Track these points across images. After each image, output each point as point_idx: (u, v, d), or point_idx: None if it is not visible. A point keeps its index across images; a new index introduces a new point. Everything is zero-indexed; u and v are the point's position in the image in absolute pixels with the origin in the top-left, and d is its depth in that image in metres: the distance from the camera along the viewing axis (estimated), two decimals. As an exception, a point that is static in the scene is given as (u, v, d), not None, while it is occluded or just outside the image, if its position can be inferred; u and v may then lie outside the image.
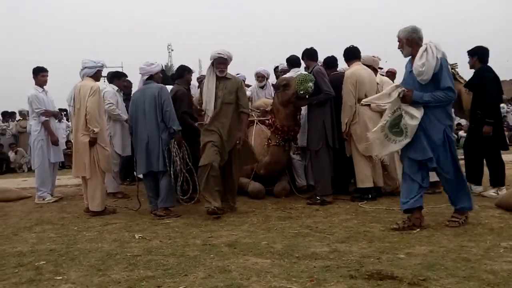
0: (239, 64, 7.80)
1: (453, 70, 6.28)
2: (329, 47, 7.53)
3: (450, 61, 6.52)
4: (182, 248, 3.95)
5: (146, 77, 5.61)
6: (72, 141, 6.36)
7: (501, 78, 6.17)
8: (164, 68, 7.38)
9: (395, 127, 4.23)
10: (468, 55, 5.95)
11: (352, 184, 6.21)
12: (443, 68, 4.06)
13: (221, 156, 5.30)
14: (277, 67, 7.67)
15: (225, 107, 5.33)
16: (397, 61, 4.64)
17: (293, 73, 6.26)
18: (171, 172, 5.36)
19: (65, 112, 11.38)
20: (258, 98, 7.46)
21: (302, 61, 6.22)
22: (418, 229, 4.18)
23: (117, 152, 6.84)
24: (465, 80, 6.33)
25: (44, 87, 6.98)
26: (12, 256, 3.95)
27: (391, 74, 7.62)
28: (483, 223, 4.37)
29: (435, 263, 3.24)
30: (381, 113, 5.14)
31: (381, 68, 6.85)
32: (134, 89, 7.37)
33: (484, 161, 5.92)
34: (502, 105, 9.56)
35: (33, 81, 6.93)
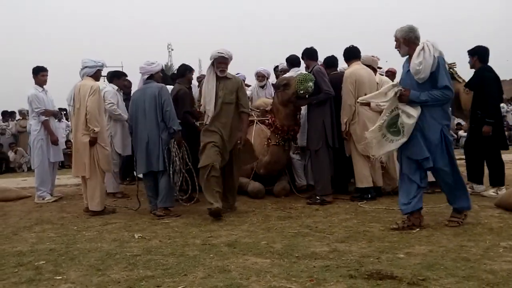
0: (239, 64, 7.81)
1: (451, 70, 6.28)
2: (329, 47, 7.54)
3: (449, 60, 6.54)
4: (181, 247, 3.95)
5: (147, 76, 5.60)
6: (72, 140, 6.35)
7: (501, 78, 6.16)
8: (164, 67, 7.37)
9: (392, 126, 4.23)
10: (468, 55, 5.95)
11: (352, 184, 6.21)
12: (440, 66, 4.06)
13: (222, 157, 5.27)
14: (277, 66, 7.68)
15: (225, 107, 5.30)
16: (397, 61, 4.65)
17: (293, 72, 6.26)
18: (170, 172, 5.36)
19: (64, 112, 11.39)
20: (259, 97, 7.46)
21: (302, 61, 6.22)
22: (417, 229, 4.19)
23: (117, 152, 6.84)
24: (463, 80, 6.33)
25: (44, 86, 6.97)
26: (11, 256, 3.95)
27: (391, 74, 7.62)
28: (482, 222, 4.37)
29: (434, 263, 3.24)
30: (380, 113, 5.14)
31: (380, 68, 6.86)
32: (134, 88, 7.37)
33: (484, 161, 5.92)
34: (502, 104, 9.57)
35: (33, 81, 6.92)
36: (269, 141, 6.09)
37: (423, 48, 4.04)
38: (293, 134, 6.05)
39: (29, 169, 11.24)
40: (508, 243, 3.66)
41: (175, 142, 5.40)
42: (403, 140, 4.17)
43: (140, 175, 5.75)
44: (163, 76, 6.20)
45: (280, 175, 6.42)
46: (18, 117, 13.83)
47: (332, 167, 5.89)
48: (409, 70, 4.18)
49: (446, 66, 4.27)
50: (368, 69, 5.99)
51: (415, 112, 4.09)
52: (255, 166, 6.23)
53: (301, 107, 6.07)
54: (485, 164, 5.94)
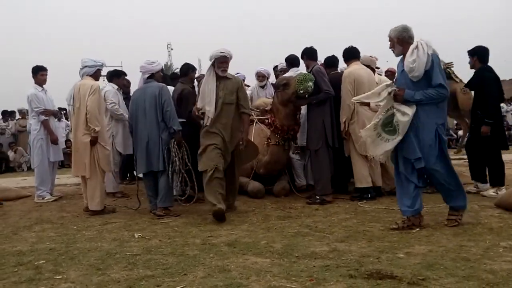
0: (239, 64, 7.80)
1: (448, 69, 6.29)
2: (329, 47, 7.53)
3: (447, 60, 6.54)
4: (181, 247, 3.95)
5: (147, 75, 5.59)
6: (72, 140, 6.35)
7: (501, 78, 6.16)
8: (163, 67, 7.37)
9: (387, 125, 4.22)
10: (468, 55, 5.95)
11: (351, 184, 6.21)
12: (434, 64, 4.03)
13: (224, 159, 5.20)
14: (276, 66, 7.68)
15: (226, 108, 5.22)
16: (398, 61, 4.65)
17: (292, 72, 6.26)
18: (169, 172, 5.35)
19: (64, 111, 11.39)
20: (259, 98, 7.45)
21: (301, 61, 6.21)
22: (417, 229, 4.19)
23: (118, 152, 6.84)
24: (460, 80, 6.34)
25: (44, 86, 6.96)
26: (11, 255, 3.94)
27: (391, 74, 7.63)
28: (482, 222, 4.37)
29: (434, 263, 3.24)
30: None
31: (378, 68, 6.87)
32: (133, 88, 7.36)
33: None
34: (501, 104, 9.57)
35: (33, 81, 6.92)
36: (269, 140, 6.09)
37: (416, 47, 4.03)
38: (293, 134, 6.05)
39: (29, 168, 11.25)
40: (508, 243, 3.66)
41: (175, 142, 5.39)
42: (398, 138, 4.15)
43: (140, 175, 5.75)
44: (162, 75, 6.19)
45: (280, 174, 6.42)
46: (18, 116, 13.82)
47: (332, 167, 5.89)
48: (403, 70, 4.17)
49: (441, 64, 4.26)
50: (368, 69, 6.00)
51: (409, 110, 4.07)
52: (255, 166, 6.23)
53: (301, 107, 6.07)
54: (486, 163, 5.95)
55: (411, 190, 4.25)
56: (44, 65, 7.00)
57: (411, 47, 4.07)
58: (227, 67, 5.26)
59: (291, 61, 6.50)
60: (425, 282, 2.88)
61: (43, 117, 6.75)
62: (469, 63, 5.97)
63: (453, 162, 9.41)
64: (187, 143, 5.50)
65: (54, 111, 7.15)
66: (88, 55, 5.97)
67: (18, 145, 13.00)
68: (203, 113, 5.23)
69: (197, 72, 7.33)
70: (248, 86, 7.82)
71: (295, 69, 6.39)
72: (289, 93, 5.79)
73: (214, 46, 5.21)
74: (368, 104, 5.40)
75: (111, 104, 6.61)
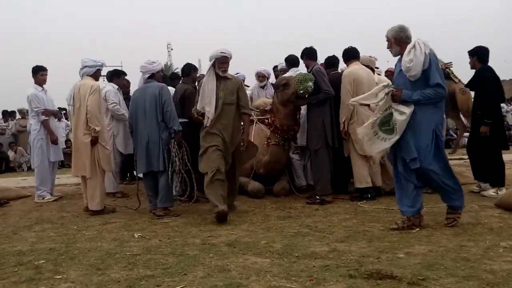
0: (239, 64, 7.79)
1: (447, 70, 6.29)
2: (329, 47, 7.54)
3: (447, 60, 6.55)
4: (181, 247, 3.95)
5: (148, 75, 5.58)
6: (72, 140, 6.35)
7: (500, 78, 6.15)
8: (163, 67, 7.37)
9: (385, 124, 4.21)
10: (469, 55, 5.95)
11: (351, 184, 6.21)
12: (432, 64, 4.02)
13: (225, 160, 5.17)
14: (276, 66, 7.68)
15: (226, 108, 5.18)
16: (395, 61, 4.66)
17: (292, 72, 6.26)
18: (169, 172, 5.35)
19: (64, 111, 11.38)
20: (259, 98, 7.46)
21: (301, 61, 6.21)
22: (417, 229, 4.18)
23: (119, 152, 6.83)
24: (459, 80, 6.34)
25: (44, 86, 6.96)
26: (11, 255, 3.95)
27: (391, 74, 7.60)
28: (482, 222, 4.37)
29: (434, 263, 3.24)
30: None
31: (377, 68, 6.87)
32: (132, 88, 7.36)
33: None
34: (502, 104, 9.56)
35: (33, 80, 6.92)
36: (269, 140, 6.09)
37: (414, 46, 4.02)
38: (293, 134, 6.05)
39: (29, 168, 11.24)
40: (508, 243, 3.66)
41: (175, 142, 5.38)
42: (396, 138, 4.15)
43: (140, 175, 5.75)
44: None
45: (279, 174, 6.42)
46: (18, 116, 13.82)
47: (331, 167, 5.89)
48: (401, 70, 4.17)
49: (440, 64, 4.25)
50: (367, 69, 6.01)
51: (407, 109, 4.06)
52: (255, 166, 6.23)
53: (301, 107, 6.07)
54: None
55: (410, 190, 4.25)
56: (44, 65, 7.00)
57: (409, 46, 4.07)
58: (228, 68, 5.23)
59: (291, 61, 6.50)
60: (425, 282, 2.88)
61: (43, 117, 6.75)
62: (469, 63, 5.97)
63: (453, 162, 9.45)
64: (189, 143, 5.48)
65: (55, 111, 7.16)
66: (88, 55, 5.97)
67: (18, 145, 13.00)
68: (203, 114, 5.19)
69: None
70: (248, 86, 7.82)
71: (294, 69, 6.39)
72: (289, 93, 5.79)
73: (214, 46, 5.20)
74: (368, 104, 5.40)
75: (112, 104, 6.61)
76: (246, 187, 6.21)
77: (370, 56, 6.43)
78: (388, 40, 4.31)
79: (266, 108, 6.35)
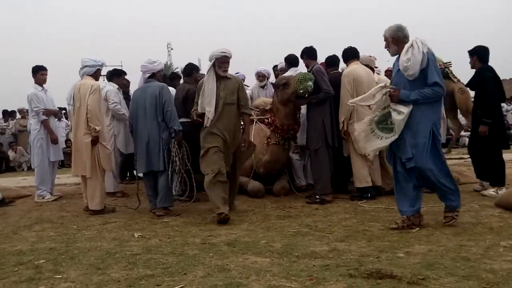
0: (239, 64, 7.78)
1: (446, 69, 6.29)
2: (329, 47, 7.52)
3: (446, 60, 6.54)
4: (181, 247, 3.95)
5: (148, 75, 5.57)
6: (72, 140, 6.35)
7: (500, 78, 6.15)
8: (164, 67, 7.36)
9: (382, 123, 4.21)
10: (469, 55, 5.96)
11: (351, 183, 6.21)
12: (430, 63, 4.01)
13: (226, 160, 5.15)
14: (276, 65, 7.68)
15: (227, 108, 5.13)
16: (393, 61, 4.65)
17: (292, 72, 6.26)
18: (169, 172, 5.34)
19: (64, 111, 11.39)
20: (259, 97, 7.45)
21: (300, 60, 6.21)
22: (417, 228, 4.18)
23: (120, 151, 6.83)
24: (458, 80, 6.33)
25: (44, 85, 6.96)
26: (11, 255, 3.95)
27: (390, 73, 7.60)
28: (482, 222, 4.37)
29: (434, 262, 3.24)
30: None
31: (376, 67, 6.87)
32: (132, 88, 7.36)
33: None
34: (502, 104, 9.55)
35: (33, 80, 6.92)
36: (269, 140, 6.09)
37: (412, 45, 4.00)
38: (293, 133, 6.05)
39: (29, 168, 11.24)
40: (508, 242, 3.66)
41: (175, 142, 5.38)
42: (394, 137, 4.14)
43: (140, 174, 5.75)
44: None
45: (279, 174, 6.42)
46: (18, 116, 13.83)
47: (331, 166, 5.90)
48: (399, 69, 4.16)
49: (439, 63, 4.23)
50: (367, 68, 6.01)
51: (405, 109, 4.05)
52: (254, 165, 6.23)
53: (301, 106, 6.07)
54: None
55: (410, 190, 4.24)
56: (44, 65, 7.00)
57: (406, 45, 4.06)
58: (228, 67, 5.20)
59: (290, 61, 6.51)
60: (425, 281, 2.88)
61: (43, 117, 6.75)
62: (469, 63, 5.97)
63: (453, 161, 9.45)
64: (192, 143, 5.46)
65: (55, 111, 7.16)
66: (88, 55, 5.96)
67: (19, 144, 13.00)
68: (202, 114, 5.14)
69: (197, 72, 7.31)
70: (247, 86, 7.81)
71: (294, 68, 6.40)
72: (289, 93, 5.79)
73: (214, 46, 5.15)
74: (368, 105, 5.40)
75: (113, 104, 6.60)
76: (246, 186, 6.21)
77: (369, 56, 6.44)
78: (386, 39, 4.30)
79: (266, 108, 6.35)
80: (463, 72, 6.35)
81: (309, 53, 6.01)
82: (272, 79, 7.64)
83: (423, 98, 4.04)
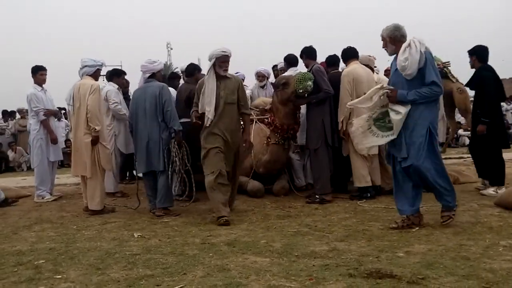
0: (239, 64, 7.78)
1: (445, 69, 6.29)
2: (329, 47, 7.52)
3: (445, 59, 6.55)
4: (181, 247, 3.95)
5: (148, 75, 5.56)
6: (71, 140, 6.35)
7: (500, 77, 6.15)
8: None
9: (380, 120, 4.21)
10: (468, 54, 5.96)
11: (351, 183, 6.21)
12: (427, 62, 4.00)
13: (227, 160, 5.12)
14: (275, 65, 7.68)
15: (228, 108, 5.09)
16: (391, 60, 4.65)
17: (291, 71, 6.26)
18: (169, 172, 5.34)
19: (64, 111, 11.38)
20: (259, 98, 7.45)
21: (300, 60, 6.21)
22: (417, 228, 4.18)
23: (120, 151, 6.82)
24: (456, 79, 6.34)
25: (43, 85, 6.96)
26: (11, 255, 3.94)
27: (390, 73, 7.61)
28: (482, 221, 4.37)
29: (434, 262, 3.24)
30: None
31: (375, 67, 6.88)
32: (131, 88, 7.35)
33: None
34: (502, 103, 9.57)
35: (32, 80, 6.92)
36: (269, 140, 6.09)
37: (409, 45, 4.00)
38: (293, 133, 6.05)
39: (29, 168, 11.25)
40: (508, 242, 3.66)
41: (175, 142, 5.37)
42: (391, 137, 4.14)
43: (140, 174, 5.74)
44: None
45: (279, 174, 6.42)
46: (18, 116, 13.82)
47: (331, 166, 5.90)
48: (397, 69, 4.15)
49: (438, 62, 4.22)
50: (367, 68, 6.01)
51: (403, 109, 4.05)
52: (254, 165, 6.23)
53: (301, 106, 6.07)
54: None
55: (409, 189, 4.24)
56: (44, 65, 7.00)
57: (404, 45, 4.05)
58: (228, 66, 5.16)
59: (290, 61, 6.51)
60: (424, 281, 2.88)
61: (42, 117, 6.74)
62: (469, 62, 5.97)
63: (453, 161, 9.44)
64: (194, 143, 5.45)
65: (55, 111, 7.15)
66: (88, 55, 5.96)
67: (18, 145, 13.01)
68: (203, 114, 5.10)
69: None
70: (246, 86, 7.81)
71: (293, 68, 6.40)
72: (288, 92, 5.79)
73: (214, 46, 5.08)
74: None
75: (114, 104, 6.59)
76: (245, 186, 6.21)
77: (369, 56, 6.44)
78: (383, 39, 4.30)
79: (265, 108, 6.35)
80: (463, 71, 6.36)
81: (309, 53, 6.01)
82: (272, 79, 7.64)
83: (421, 98, 4.03)
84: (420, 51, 3.96)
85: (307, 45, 6.05)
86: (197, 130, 5.34)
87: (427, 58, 4.00)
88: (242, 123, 5.40)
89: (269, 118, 6.15)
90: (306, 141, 6.04)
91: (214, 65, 5.08)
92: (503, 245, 3.58)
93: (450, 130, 9.51)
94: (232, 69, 5.51)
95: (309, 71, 5.83)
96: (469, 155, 6.89)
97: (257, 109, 6.61)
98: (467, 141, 12.80)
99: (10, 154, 12.79)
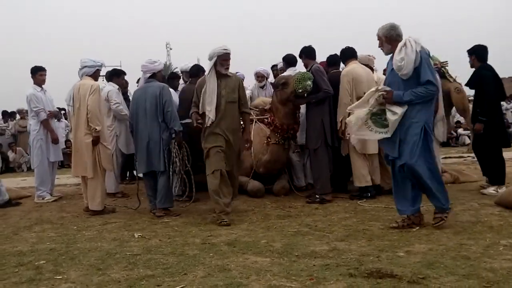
0: (239, 64, 7.77)
1: (443, 69, 6.29)
2: (329, 47, 7.51)
3: (443, 59, 6.53)
4: (181, 247, 3.95)
5: (149, 75, 5.56)
6: (72, 140, 6.35)
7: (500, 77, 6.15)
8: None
9: (377, 115, 4.20)
10: (468, 54, 5.96)
11: (351, 183, 6.21)
12: (422, 61, 3.99)
13: (227, 160, 5.09)
14: (275, 65, 7.68)
15: (229, 107, 5.05)
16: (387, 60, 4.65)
17: (291, 71, 6.26)
18: (170, 173, 5.34)
19: (64, 112, 11.38)
20: (258, 97, 7.45)
21: (299, 60, 6.21)
22: (417, 227, 4.18)
23: (121, 152, 6.82)
24: (454, 79, 6.33)
25: (43, 86, 6.96)
26: (12, 256, 3.95)
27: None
28: (482, 221, 4.37)
29: (434, 261, 3.24)
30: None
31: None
32: (131, 89, 7.35)
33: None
34: (502, 102, 9.57)
35: (32, 81, 6.92)
36: (269, 140, 6.09)
37: (405, 44, 3.99)
38: (293, 133, 6.05)
39: (29, 169, 11.23)
40: (508, 241, 3.67)
41: (175, 143, 5.37)
42: (384, 135, 4.14)
43: (140, 174, 5.74)
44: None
45: (279, 174, 6.42)
46: (18, 117, 13.82)
47: (331, 165, 5.90)
48: (393, 69, 4.14)
49: (436, 62, 4.22)
50: (366, 68, 6.00)
51: (399, 109, 4.05)
52: (254, 165, 6.23)
53: (300, 106, 6.07)
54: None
55: (408, 190, 4.24)
56: (44, 65, 7.01)
57: (399, 44, 4.04)
58: (229, 65, 5.11)
59: (289, 61, 6.51)
60: (425, 280, 2.88)
61: (42, 117, 6.74)
62: (469, 62, 5.98)
63: (453, 160, 9.43)
64: (196, 144, 5.43)
65: (55, 112, 7.15)
66: (88, 55, 5.96)
67: (18, 145, 13.00)
68: (203, 114, 5.07)
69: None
70: (246, 87, 7.80)
71: (292, 68, 6.39)
72: (288, 92, 5.79)
73: (214, 46, 5.11)
74: None
75: (115, 104, 6.58)
76: (245, 186, 6.21)
77: (368, 55, 6.43)
78: (379, 38, 4.29)
79: (265, 107, 6.35)
80: (463, 71, 6.35)
81: (308, 53, 6.01)
82: (271, 79, 7.63)
83: (417, 98, 4.02)
84: (416, 50, 3.95)
85: (307, 45, 6.05)
86: (200, 131, 5.31)
87: (422, 57, 3.99)
88: (242, 122, 5.40)
89: (269, 118, 6.15)
90: (305, 141, 6.04)
91: (215, 63, 5.03)
92: (503, 245, 3.58)
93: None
94: (232, 69, 5.50)
95: (309, 71, 5.83)
96: (469, 154, 6.89)
97: (257, 109, 6.60)
98: (467, 140, 12.81)
99: (10, 154, 12.78)
